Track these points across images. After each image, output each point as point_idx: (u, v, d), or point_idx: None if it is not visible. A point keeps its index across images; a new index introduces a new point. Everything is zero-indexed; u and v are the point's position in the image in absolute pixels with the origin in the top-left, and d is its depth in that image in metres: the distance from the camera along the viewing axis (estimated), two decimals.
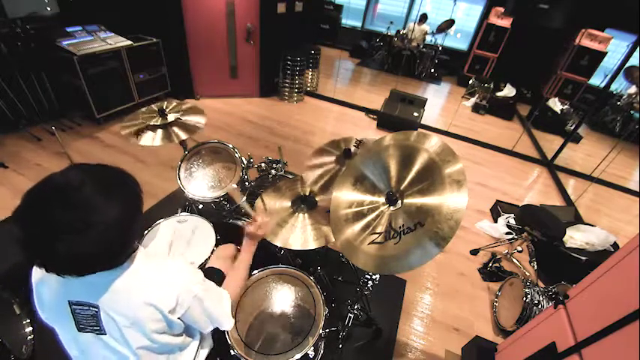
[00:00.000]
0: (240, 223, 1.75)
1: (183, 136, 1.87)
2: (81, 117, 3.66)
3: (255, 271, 1.44)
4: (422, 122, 4.70)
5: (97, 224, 0.64)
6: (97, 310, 0.77)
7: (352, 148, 1.62)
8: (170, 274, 0.84)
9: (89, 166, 0.72)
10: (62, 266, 0.67)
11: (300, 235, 1.38)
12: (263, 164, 1.98)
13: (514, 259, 2.71)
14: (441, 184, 1.02)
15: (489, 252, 2.73)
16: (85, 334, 0.81)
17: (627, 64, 4.34)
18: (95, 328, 0.79)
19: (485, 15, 6.80)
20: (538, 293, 1.99)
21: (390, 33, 7.04)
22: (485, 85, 5.99)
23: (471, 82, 6.34)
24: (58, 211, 0.62)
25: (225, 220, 1.77)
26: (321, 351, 1.46)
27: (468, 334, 2.08)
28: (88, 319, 0.78)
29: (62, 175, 0.66)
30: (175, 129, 1.87)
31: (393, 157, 1.20)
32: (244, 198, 1.62)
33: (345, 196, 1.25)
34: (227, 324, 0.98)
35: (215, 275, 1.21)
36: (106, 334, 0.80)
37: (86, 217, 0.64)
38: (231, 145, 1.96)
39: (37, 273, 0.82)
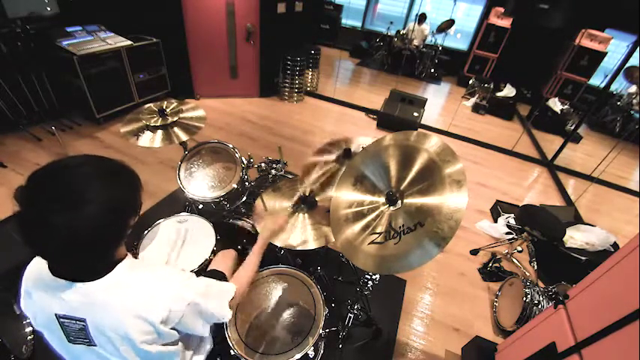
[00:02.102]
0: (239, 222, 1.75)
1: (183, 137, 1.87)
2: (81, 117, 3.66)
3: None
4: (422, 122, 4.70)
5: (90, 202, 0.66)
6: (84, 324, 0.76)
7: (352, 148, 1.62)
8: (159, 284, 0.81)
9: (94, 155, 0.76)
10: (58, 246, 0.66)
11: (300, 235, 1.38)
12: (263, 164, 1.98)
13: (514, 259, 2.71)
14: (441, 184, 1.02)
15: (489, 252, 2.73)
16: (77, 345, 0.81)
17: (627, 64, 4.34)
18: (85, 340, 0.79)
19: (485, 15, 6.80)
20: (538, 293, 1.99)
21: (390, 33, 7.04)
22: (485, 85, 5.98)
23: (471, 82, 6.34)
24: (53, 185, 0.66)
25: (225, 220, 1.76)
26: (321, 351, 1.46)
27: (468, 334, 2.08)
28: (77, 332, 0.78)
29: (66, 157, 0.72)
30: (175, 130, 1.88)
31: (393, 157, 1.20)
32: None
33: (345, 196, 1.25)
34: (227, 317, 0.94)
35: (218, 279, 1.19)
36: (96, 346, 0.80)
37: (80, 193, 0.66)
38: (231, 145, 1.96)
39: (28, 280, 0.81)
